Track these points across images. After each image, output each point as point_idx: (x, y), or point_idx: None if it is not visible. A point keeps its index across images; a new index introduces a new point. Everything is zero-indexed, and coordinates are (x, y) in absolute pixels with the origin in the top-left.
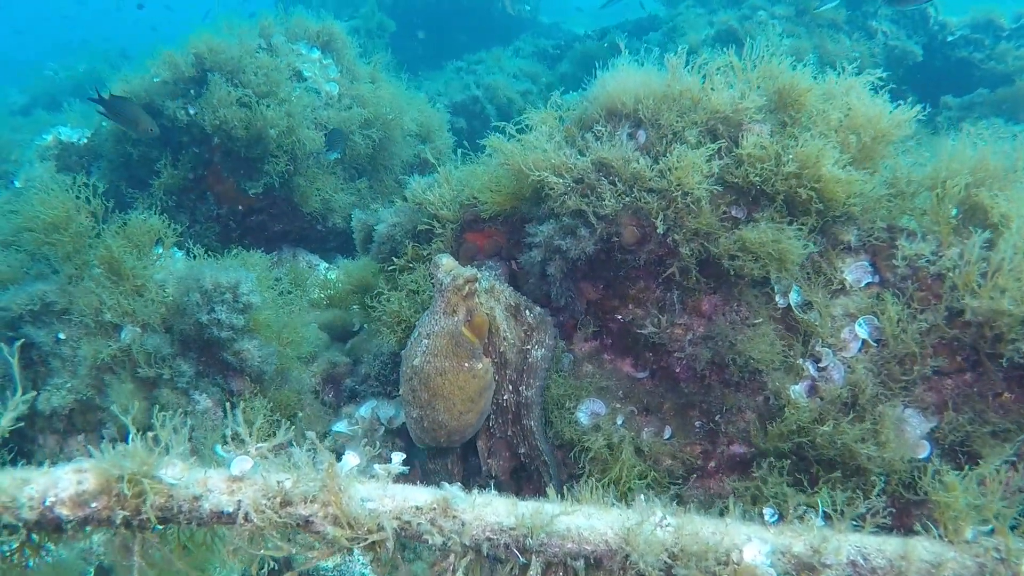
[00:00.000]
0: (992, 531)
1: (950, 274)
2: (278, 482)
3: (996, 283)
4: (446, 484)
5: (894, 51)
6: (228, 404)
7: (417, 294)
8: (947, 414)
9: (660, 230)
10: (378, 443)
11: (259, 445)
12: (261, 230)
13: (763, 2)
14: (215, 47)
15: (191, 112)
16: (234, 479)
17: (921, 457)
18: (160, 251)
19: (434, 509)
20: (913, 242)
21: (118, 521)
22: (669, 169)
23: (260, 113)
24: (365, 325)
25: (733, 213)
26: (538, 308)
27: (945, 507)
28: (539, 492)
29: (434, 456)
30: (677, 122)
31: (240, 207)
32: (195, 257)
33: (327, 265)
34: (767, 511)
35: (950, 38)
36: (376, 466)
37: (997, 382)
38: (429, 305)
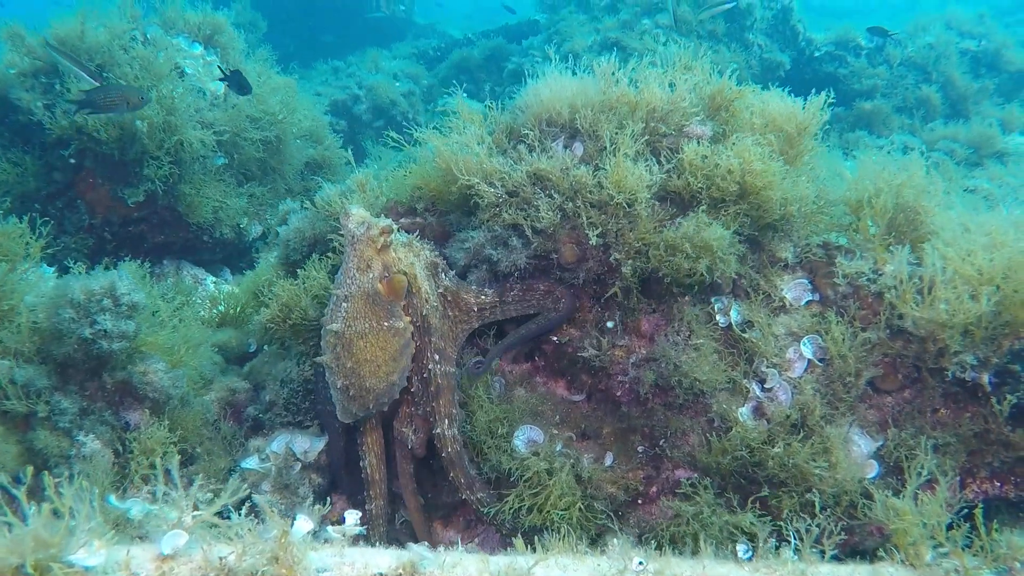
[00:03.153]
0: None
1: (888, 294)
2: (220, 558)
3: (935, 296)
4: (411, 544)
5: (769, 63)
6: (121, 444)
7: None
8: (891, 431)
9: (594, 242)
10: (294, 481)
11: (195, 513)
12: (140, 241)
13: (644, 11)
14: (82, 33)
15: (49, 110)
16: (164, 558)
17: (870, 476)
18: (26, 267)
19: (400, 575)
20: (852, 260)
21: None
22: (608, 179)
23: None
24: (265, 346)
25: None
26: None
27: (902, 533)
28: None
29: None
30: (617, 133)
31: (116, 217)
32: (67, 272)
33: (214, 279)
34: (740, 547)
35: (817, 53)
36: (330, 528)
37: (936, 398)
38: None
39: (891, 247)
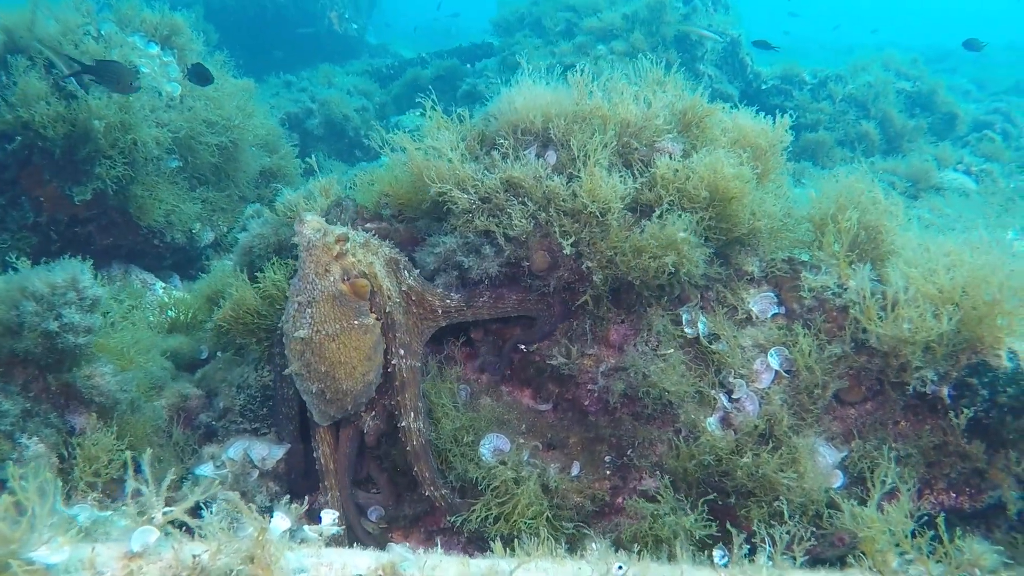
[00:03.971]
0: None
1: (852, 309)
2: (193, 556)
3: (897, 314)
4: (393, 545)
5: (719, 94)
6: (66, 449)
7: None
8: (855, 443)
9: (567, 251)
10: (251, 488)
11: (167, 509)
12: (87, 243)
13: (599, 38)
14: (31, 23)
15: None
16: (132, 556)
17: (835, 486)
18: None
19: None
20: (817, 274)
21: None
22: (581, 188)
23: (84, 103)
24: (219, 352)
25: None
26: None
27: (870, 541)
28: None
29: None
30: (589, 143)
31: (64, 216)
32: (15, 271)
33: (163, 285)
34: (717, 553)
35: (764, 87)
36: (306, 528)
37: (897, 411)
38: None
39: (853, 264)
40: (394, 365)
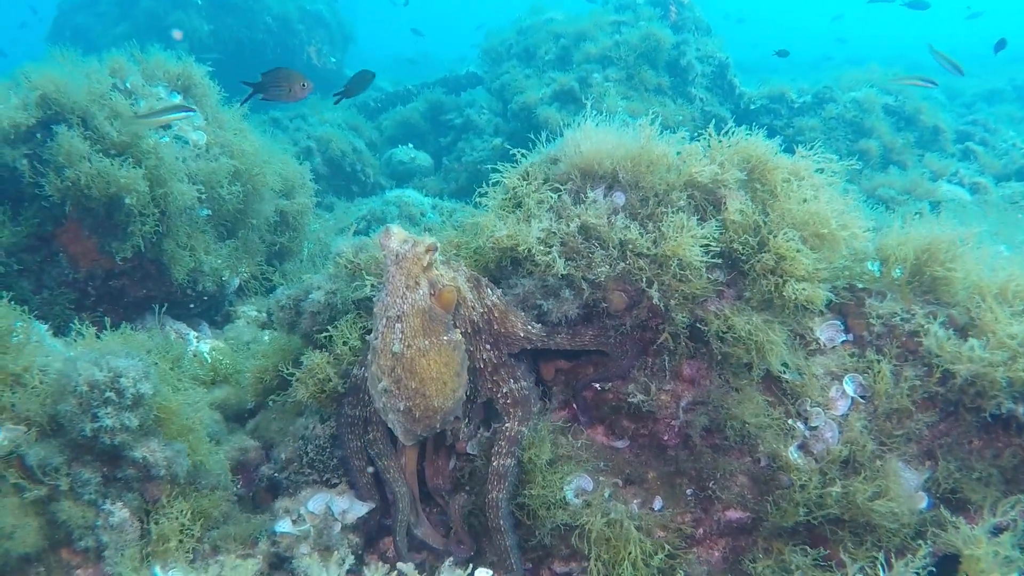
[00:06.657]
0: None
1: (926, 341)
2: None
3: (978, 355)
4: None
5: (709, 115)
6: (146, 515)
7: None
8: (941, 464)
9: (657, 301)
10: (335, 542)
11: None
12: (121, 296)
13: (595, 65)
14: (62, 87)
15: (36, 164)
16: None
17: (921, 508)
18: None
19: None
20: (882, 301)
21: None
22: (663, 238)
23: (114, 176)
24: (270, 402)
25: (714, 276)
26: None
27: (974, 560)
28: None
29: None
30: (659, 184)
31: (100, 270)
32: (77, 334)
33: (196, 334)
34: None
35: (752, 107)
36: None
37: (971, 431)
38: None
39: (914, 289)
40: (485, 360)
